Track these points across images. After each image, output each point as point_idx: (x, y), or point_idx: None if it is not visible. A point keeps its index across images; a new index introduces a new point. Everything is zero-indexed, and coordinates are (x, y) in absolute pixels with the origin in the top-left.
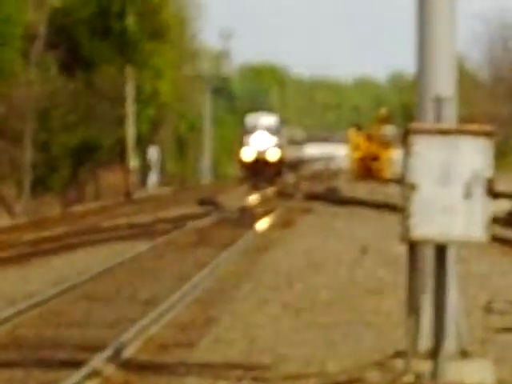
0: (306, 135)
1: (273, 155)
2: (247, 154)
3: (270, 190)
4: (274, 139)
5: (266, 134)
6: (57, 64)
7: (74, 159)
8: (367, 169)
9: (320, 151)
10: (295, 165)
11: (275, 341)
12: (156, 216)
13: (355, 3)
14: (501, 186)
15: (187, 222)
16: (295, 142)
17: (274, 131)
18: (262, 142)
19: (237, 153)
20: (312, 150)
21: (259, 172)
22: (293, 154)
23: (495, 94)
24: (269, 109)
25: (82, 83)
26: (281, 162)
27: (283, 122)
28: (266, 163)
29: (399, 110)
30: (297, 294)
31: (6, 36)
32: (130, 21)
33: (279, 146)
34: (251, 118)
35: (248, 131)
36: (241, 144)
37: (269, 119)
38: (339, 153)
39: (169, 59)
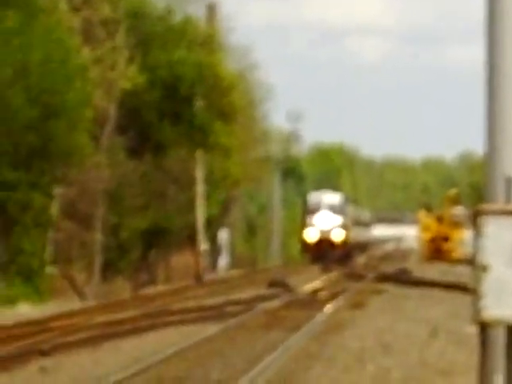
0: (373, 215)
1: (337, 236)
2: (310, 235)
3: (340, 272)
4: (338, 218)
5: (330, 213)
6: (126, 148)
7: (144, 242)
8: (438, 250)
9: (389, 232)
10: (363, 246)
11: None
12: (226, 298)
13: (422, 83)
14: None
15: (257, 304)
16: (362, 223)
17: (339, 210)
18: (325, 221)
19: (300, 233)
20: (381, 231)
21: (323, 254)
22: (360, 234)
23: None
24: (337, 189)
25: (151, 166)
26: (346, 243)
27: (348, 200)
28: (330, 244)
29: (469, 190)
30: (368, 375)
31: (77, 120)
32: (199, 104)
33: (344, 225)
34: (314, 197)
35: (311, 210)
36: (304, 224)
37: (333, 197)
38: (409, 233)
39: (238, 141)
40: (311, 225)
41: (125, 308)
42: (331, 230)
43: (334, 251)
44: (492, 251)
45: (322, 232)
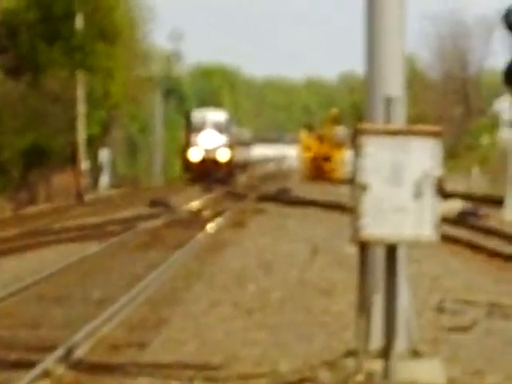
0: (254, 135)
1: (223, 155)
2: (194, 154)
3: (221, 191)
4: (223, 138)
5: (215, 132)
6: (5, 68)
7: (24, 161)
8: (319, 169)
9: (270, 152)
10: (244, 166)
11: (227, 341)
12: (107, 217)
13: (305, 3)
14: (453, 186)
15: (138, 224)
16: (243, 143)
17: (224, 129)
18: (210, 140)
19: (183, 153)
20: (262, 151)
21: (207, 173)
22: (241, 154)
23: (446, 92)
24: (219, 108)
25: (30, 86)
26: (230, 163)
27: (233, 119)
28: (215, 164)
29: (350, 110)
30: (248, 295)
31: None
32: (79, 23)
33: (229, 145)
34: (199, 115)
35: (195, 129)
36: (187, 143)
37: (218, 116)
38: (290, 153)
39: (119, 61)
40: (195, 144)
41: (5, 227)
42: (216, 149)
43: (218, 171)
44: (371, 170)
45: (207, 151)
